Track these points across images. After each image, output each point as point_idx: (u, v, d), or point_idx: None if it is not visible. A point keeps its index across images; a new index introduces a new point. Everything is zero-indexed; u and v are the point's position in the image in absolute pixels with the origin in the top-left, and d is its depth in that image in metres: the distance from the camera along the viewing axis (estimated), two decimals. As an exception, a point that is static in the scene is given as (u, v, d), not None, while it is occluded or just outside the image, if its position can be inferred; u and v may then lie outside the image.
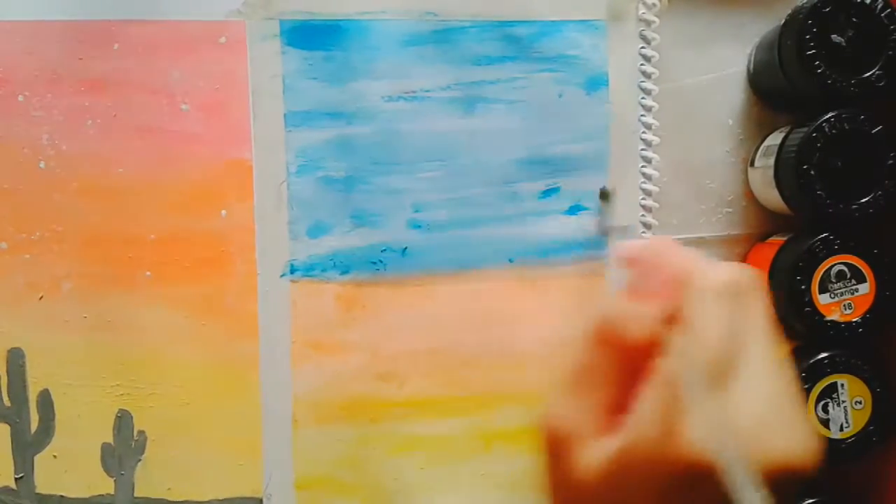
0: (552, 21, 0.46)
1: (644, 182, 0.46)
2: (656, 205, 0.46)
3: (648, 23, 0.46)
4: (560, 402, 0.26)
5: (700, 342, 0.24)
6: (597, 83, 0.46)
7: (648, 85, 0.46)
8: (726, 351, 0.24)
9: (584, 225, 0.46)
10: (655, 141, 0.46)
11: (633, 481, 0.24)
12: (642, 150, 0.46)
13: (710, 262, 0.27)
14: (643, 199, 0.46)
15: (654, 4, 0.46)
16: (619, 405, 0.26)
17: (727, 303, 0.25)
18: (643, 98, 0.46)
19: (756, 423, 0.24)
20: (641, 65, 0.46)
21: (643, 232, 0.47)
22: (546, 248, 0.46)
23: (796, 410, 0.25)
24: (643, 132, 0.46)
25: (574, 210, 0.46)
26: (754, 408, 0.24)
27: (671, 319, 0.25)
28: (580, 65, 0.46)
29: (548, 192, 0.46)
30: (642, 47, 0.46)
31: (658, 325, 0.25)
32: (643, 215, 0.46)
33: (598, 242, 0.46)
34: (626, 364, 0.26)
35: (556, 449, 0.26)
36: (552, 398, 0.27)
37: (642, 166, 0.46)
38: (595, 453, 0.25)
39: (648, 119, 0.46)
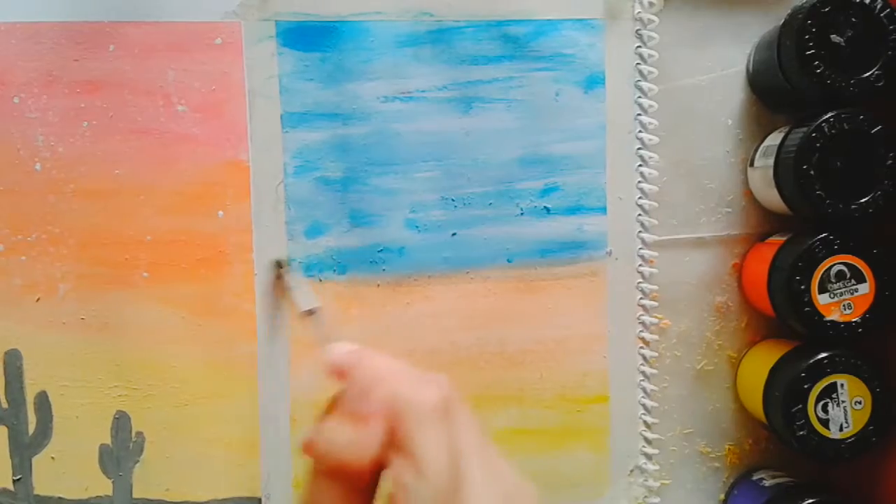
0: (548, 20, 0.46)
1: (641, 182, 0.46)
2: (654, 204, 0.46)
3: (645, 22, 0.46)
4: None
5: (424, 465, 0.25)
6: (594, 82, 0.46)
7: (645, 84, 0.46)
8: (448, 468, 0.25)
9: (583, 225, 0.46)
10: (653, 140, 0.46)
11: None
12: (639, 149, 0.46)
13: (417, 381, 0.27)
14: (640, 198, 0.46)
15: (651, 4, 0.46)
16: None
17: (442, 422, 0.26)
18: (640, 97, 0.46)
19: None
20: (638, 64, 0.46)
21: (640, 232, 0.47)
22: (545, 248, 0.46)
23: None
24: (640, 132, 0.46)
25: (573, 210, 0.46)
26: None
27: (391, 444, 0.26)
28: (577, 63, 0.46)
29: (546, 192, 0.46)
30: (639, 46, 0.46)
31: (378, 450, 0.26)
32: (640, 215, 0.46)
33: (597, 243, 0.46)
34: (355, 491, 0.26)
35: None
36: None
37: (639, 166, 0.46)
38: None
39: (645, 119, 0.46)
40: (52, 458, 0.44)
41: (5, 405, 0.44)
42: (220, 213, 0.45)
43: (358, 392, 0.27)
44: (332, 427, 0.27)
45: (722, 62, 0.47)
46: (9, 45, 0.43)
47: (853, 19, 0.41)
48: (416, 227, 0.46)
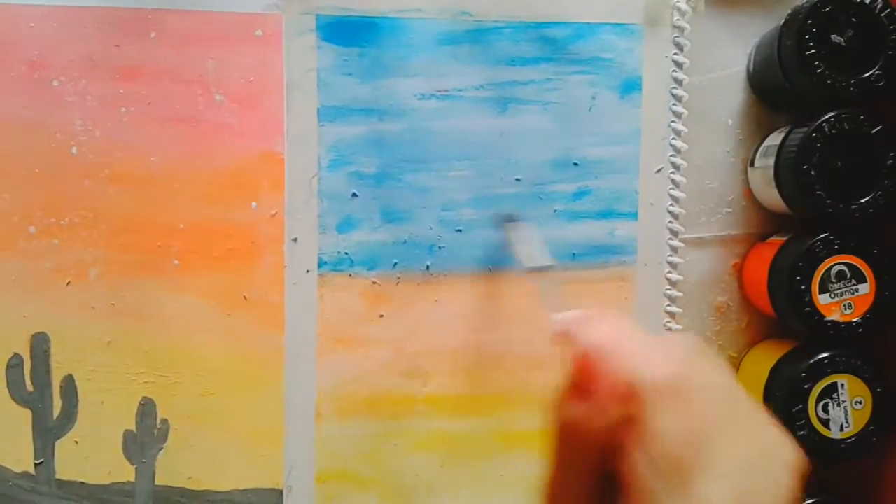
0: (587, 23, 0.46)
1: (672, 188, 0.46)
2: (683, 211, 0.46)
3: (682, 29, 0.46)
4: None
5: (655, 448, 0.23)
6: (630, 87, 0.46)
7: (680, 91, 0.46)
8: (684, 449, 0.23)
9: (614, 229, 0.46)
10: (685, 148, 0.46)
11: None
12: (672, 156, 0.46)
13: (647, 353, 0.25)
14: (671, 205, 0.47)
15: (687, 11, 0.46)
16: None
17: (677, 398, 0.24)
18: (674, 104, 0.46)
19: (740, 471, 0.23)
20: (674, 71, 0.46)
21: (669, 239, 0.47)
22: (575, 252, 0.46)
23: (771, 454, 0.24)
24: (673, 138, 0.46)
25: (605, 214, 0.46)
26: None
27: (627, 420, 0.24)
28: (614, 68, 0.46)
29: (578, 195, 0.46)
30: (675, 53, 0.46)
31: (609, 425, 0.24)
32: (671, 221, 0.47)
33: (627, 248, 0.46)
34: (597, 464, 0.25)
35: None
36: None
37: (671, 172, 0.46)
38: None
39: (679, 125, 0.46)
40: (76, 442, 0.44)
41: (31, 388, 0.44)
42: (254, 204, 0.45)
43: (584, 365, 0.26)
44: (564, 399, 0.26)
45: (722, 62, 0.47)
46: (50, 27, 0.43)
47: (853, 19, 0.42)
48: (448, 225, 0.46)
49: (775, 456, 0.24)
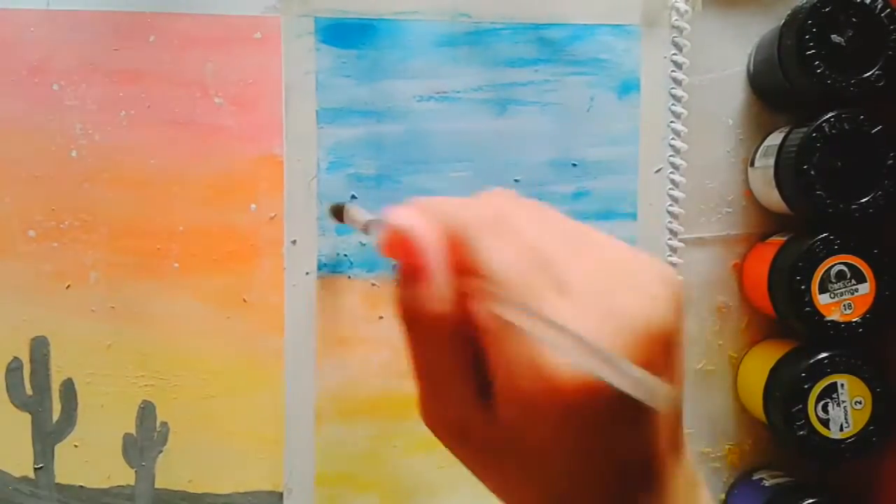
0: (585, 24, 0.46)
1: (671, 189, 0.47)
2: (682, 211, 0.47)
3: (681, 29, 0.46)
4: (434, 401, 0.24)
5: (498, 275, 0.22)
6: (628, 88, 0.46)
7: (679, 91, 0.46)
8: (526, 274, 0.22)
9: (613, 230, 0.46)
10: (684, 148, 0.46)
11: (530, 431, 0.22)
12: (671, 156, 0.46)
13: (455, 206, 0.25)
14: (670, 205, 0.47)
15: (686, 11, 0.46)
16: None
17: (503, 229, 0.23)
18: (673, 104, 0.46)
19: (600, 290, 0.22)
20: (672, 71, 0.46)
21: (668, 239, 0.47)
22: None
23: (634, 273, 0.23)
24: (672, 138, 0.46)
25: (604, 215, 0.46)
26: (593, 282, 0.22)
27: (461, 272, 0.23)
28: (612, 69, 0.46)
29: (577, 196, 0.46)
30: (674, 54, 0.46)
31: (451, 287, 0.23)
32: (670, 222, 0.47)
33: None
34: (461, 342, 0.24)
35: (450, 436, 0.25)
36: (425, 400, 0.25)
37: (670, 172, 0.47)
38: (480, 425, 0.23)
39: (678, 126, 0.46)
40: (75, 446, 0.44)
41: (30, 392, 0.44)
42: (253, 206, 0.45)
43: (404, 247, 0.24)
44: (402, 290, 0.24)
45: (722, 62, 0.47)
46: (50, 32, 0.43)
47: (854, 19, 0.42)
48: (447, 226, 0.46)
49: (641, 273, 0.23)
